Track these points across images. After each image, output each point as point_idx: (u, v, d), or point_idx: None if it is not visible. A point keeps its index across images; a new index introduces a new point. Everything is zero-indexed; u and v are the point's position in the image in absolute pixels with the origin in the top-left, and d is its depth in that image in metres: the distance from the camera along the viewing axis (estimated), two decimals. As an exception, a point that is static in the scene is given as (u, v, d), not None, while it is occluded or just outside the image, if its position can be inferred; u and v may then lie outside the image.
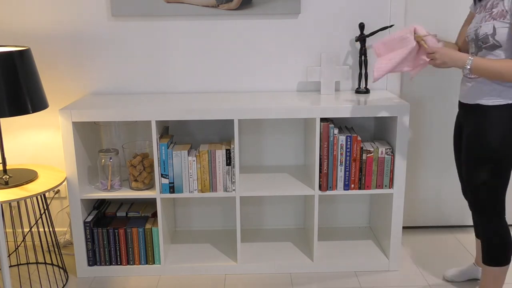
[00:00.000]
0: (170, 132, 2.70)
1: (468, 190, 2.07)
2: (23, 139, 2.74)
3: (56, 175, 2.38)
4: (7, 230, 2.78)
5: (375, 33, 2.56)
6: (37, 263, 2.62)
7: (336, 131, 2.36)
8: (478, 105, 1.96)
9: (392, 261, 2.53)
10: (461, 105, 2.09)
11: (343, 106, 2.34)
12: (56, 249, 2.67)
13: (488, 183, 1.98)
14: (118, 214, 2.61)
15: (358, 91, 2.63)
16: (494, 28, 1.86)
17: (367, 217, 2.91)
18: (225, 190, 2.44)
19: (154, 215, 2.59)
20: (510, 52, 1.86)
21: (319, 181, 2.42)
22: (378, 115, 2.36)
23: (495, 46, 1.87)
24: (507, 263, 2.07)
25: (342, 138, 2.37)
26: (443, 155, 2.87)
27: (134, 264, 2.53)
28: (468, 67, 1.88)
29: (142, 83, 2.69)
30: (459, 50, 2.15)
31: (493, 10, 1.88)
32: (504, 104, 1.90)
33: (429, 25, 2.68)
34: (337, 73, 2.58)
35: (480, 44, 1.92)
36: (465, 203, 2.95)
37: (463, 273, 2.42)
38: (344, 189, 2.43)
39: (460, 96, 2.09)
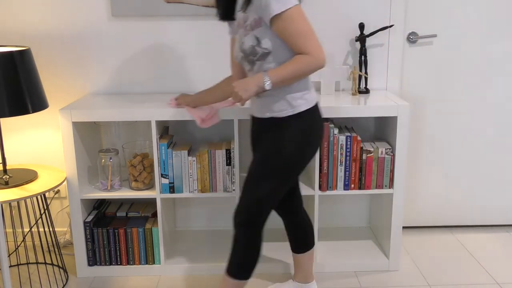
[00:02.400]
0: (170, 132, 2.70)
1: (245, 201, 1.93)
2: (23, 139, 2.74)
3: (56, 175, 2.38)
4: (7, 230, 2.78)
5: (375, 33, 2.56)
6: (37, 263, 2.62)
7: (336, 131, 2.36)
8: (272, 118, 1.89)
9: (392, 261, 2.53)
10: (255, 119, 2.00)
11: (343, 106, 2.34)
12: (56, 249, 2.67)
13: (273, 193, 1.92)
14: (118, 214, 2.61)
15: (358, 91, 2.63)
16: (256, 38, 1.80)
17: (367, 217, 2.91)
18: (225, 190, 2.44)
19: (154, 215, 2.59)
20: (280, 52, 1.80)
21: (319, 181, 2.42)
22: (378, 115, 2.36)
23: (266, 54, 1.81)
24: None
25: (342, 138, 2.37)
26: (443, 155, 2.87)
27: (134, 264, 2.53)
28: (268, 82, 1.76)
29: (142, 83, 2.69)
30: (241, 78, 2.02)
31: (247, 22, 1.82)
32: (295, 114, 1.85)
33: (429, 25, 2.69)
34: (337, 73, 2.58)
35: (252, 59, 1.84)
36: (465, 203, 2.95)
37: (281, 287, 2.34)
38: (344, 189, 2.43)
39: (251, 111, 2.00)
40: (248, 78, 1.83)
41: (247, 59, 1.87)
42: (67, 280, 2.50)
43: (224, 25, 2.62)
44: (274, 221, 2.92)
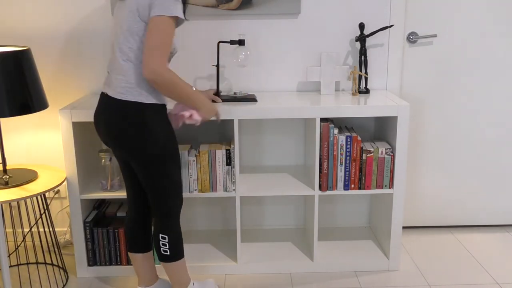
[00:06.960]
0: (170, 132, 2.70)
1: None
2: (23, 139, 2.74)
3: (56, 175, 2.38)
4: (7, 230, 2.78)
5: (375, 33, 2.56)
6: (37, 263, 2.62)
7: (336, 131, 2.36)
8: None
9: (392, 261, 2.53)
10: None
11: (343, 106, 2.34)
12: (56, 249, 2.67)
13: None
14: (118, 214, 2.61)
15: (358, 91, 2.63)
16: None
17: (367, 217, 2.91)
18: (225, 190, 2.44)
19: (154, 215, 2.59)
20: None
21: (319, 181, 2.42)
22: (378, 115, 2.36)
23: None
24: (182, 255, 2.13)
25: (342, 138, 2.37)
26: (443, 155, 2.87)
27: (134, 264, 2.52)
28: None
29: (142, 83, 2.69)
30: None
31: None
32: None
33: (429, 25, 2.69)
34: (337, 73, 2.58)
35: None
36: (465, 203, 2.95)
37: None
38: (344, 189, 2.43)
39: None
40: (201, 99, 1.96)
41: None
42: (67, 280, 2.50)
43: (226, 26, 2.63)
44: (274, 221, 2.92)
